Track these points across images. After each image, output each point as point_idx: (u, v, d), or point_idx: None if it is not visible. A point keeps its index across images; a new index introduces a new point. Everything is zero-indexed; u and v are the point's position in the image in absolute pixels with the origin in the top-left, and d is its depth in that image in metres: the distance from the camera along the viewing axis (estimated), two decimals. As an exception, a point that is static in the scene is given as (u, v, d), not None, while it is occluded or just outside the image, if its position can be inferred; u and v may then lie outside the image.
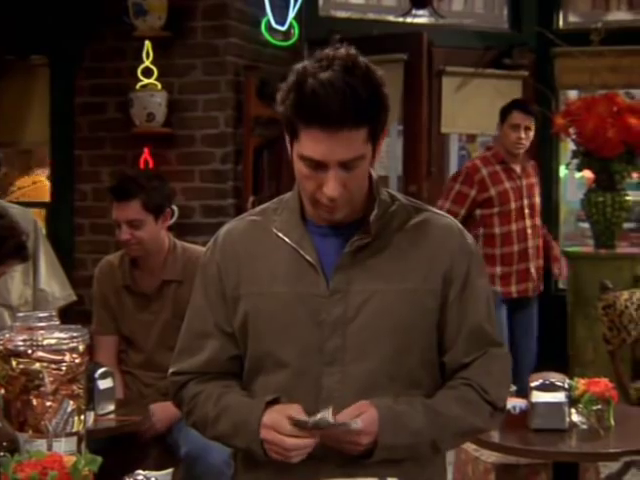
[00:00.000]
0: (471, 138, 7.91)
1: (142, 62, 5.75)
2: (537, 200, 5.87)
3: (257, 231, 2.30)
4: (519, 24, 7.38)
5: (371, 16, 7.11)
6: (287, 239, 2.23)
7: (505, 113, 5.78)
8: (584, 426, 3.40)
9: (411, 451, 2.20)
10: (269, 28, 6.02)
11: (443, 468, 2.38)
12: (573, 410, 3.41)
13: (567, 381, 3.41)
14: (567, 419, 3.36)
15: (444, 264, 2.23)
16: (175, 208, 5.52)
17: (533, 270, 5.81)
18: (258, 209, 2.38)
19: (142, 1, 5.66)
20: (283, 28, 6.11)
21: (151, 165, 5.77)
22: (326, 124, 2.03)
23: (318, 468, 2.16)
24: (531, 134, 5.76)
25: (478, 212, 5.73)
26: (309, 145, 2.06)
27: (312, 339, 2.20)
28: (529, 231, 5.78)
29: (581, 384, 3.45)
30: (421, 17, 7.02)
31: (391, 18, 7.00)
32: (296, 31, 6.17)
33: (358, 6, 7.19)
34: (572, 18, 7.53)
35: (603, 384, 3.47)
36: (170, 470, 2.10)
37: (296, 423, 2.11)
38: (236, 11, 5.85)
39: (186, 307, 4.15)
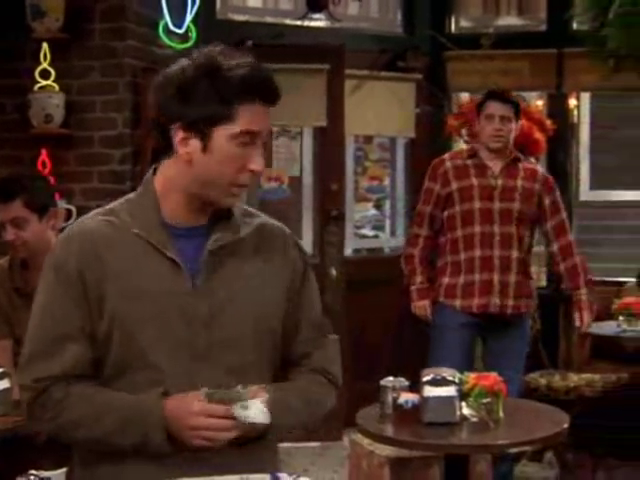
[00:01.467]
0: (368, 139, 8.00)
1: (40, 64, 5.75)
2: (518, 206, 5.07)
3: (114, 231, 2.28)
4: (412, 28, 7.48)
5: (269, 20, 7.15)
6: (150, 239, 2.26)
7: (480, 105, 5.19)
8: (474, 419, 3.44)
9: (291, 431, 2.43)
10: (167, 31, 6.05)
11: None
12: (464, 404, 3.45)
13: (458, 375, 3.45)
14: (458, 412, 3.40)
15: (288, 264, 2.41)
16: (73, 209, 5.55)
17: (497, 283, 5.05)
18: (105, 210, 2.36)
19: (39, 2, 5.67)
20: (180, 31, 6.13)
21: (49, 166, 5.76)
22: (267, 99, 2.24)
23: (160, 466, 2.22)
24: (512, 126, 5.08)
25: (445, 213, 5.15)
26: (249, 119, 2.21)
27: (182, 336, 2.25)
28: (497, 238, 5.04)
29: (471, 378, 3.49)
30: (317, 21, 7.09)
31: (288, 21, 7.05)
32: (194, 34, 6.19)
33: (255, 10, 7.22)
34: (464, 23, 7.66)
35: (492, 378, 3.51)
36: (64, 470, 2.12)
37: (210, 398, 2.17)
38: (134, 14, 5.88)
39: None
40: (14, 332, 4.24)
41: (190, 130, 2.22)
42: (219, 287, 2.28)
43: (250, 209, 2.45)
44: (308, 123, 7.02)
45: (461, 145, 6.71)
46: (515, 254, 5.07)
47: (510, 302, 5.08)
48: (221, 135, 2.21)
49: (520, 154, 5.21)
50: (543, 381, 6.27)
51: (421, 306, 5.18)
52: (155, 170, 2.35)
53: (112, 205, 2.36)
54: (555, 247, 5.18)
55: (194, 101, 2.20)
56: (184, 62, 2.26)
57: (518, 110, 5.14)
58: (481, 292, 5.07)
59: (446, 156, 5.29)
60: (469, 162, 5.13)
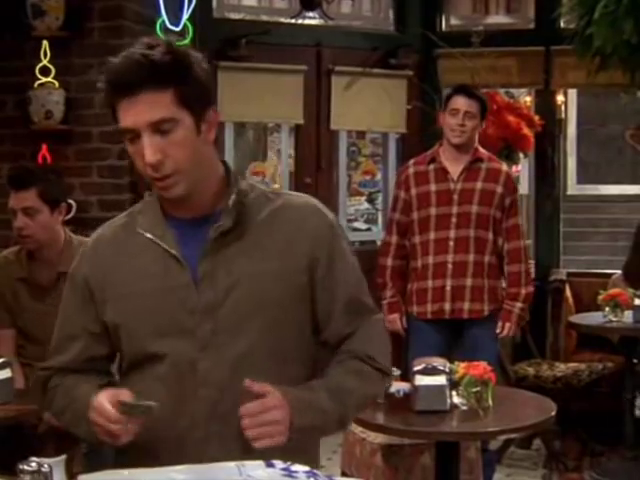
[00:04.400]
0: (361, 134, 8.07)
1: (40, 61, 5.79)
2: (476, 209, 5.00)
3: (124, 233, 2.35)
4: (404, 26, 7.50)
5: (264, 18, 7.19)
6: (150, 235, 2.29)
7: (446, 100, 5.11)
8: (464, 407, 3.53)
9: (321, 431, 2.32)
10: (164, 29, 6.05)
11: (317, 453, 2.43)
12: (454, 392, 3.54)
13: (448, 365, 3.53)
14: (448, 401, 3.48)
15: (305, 241, 2.30)
16: (73, 203, 5.61)
17: (449, 289, 4.99)
18: (126, 212, 2.43)
19: (40, 2, 5.71)
20: (177, 29, 6.15)
21: (49, 161, 5.79)
22: (126, 91, 2.13)
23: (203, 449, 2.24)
24: (474, 122, 5.00)
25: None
26: (121, 117, 2.17)
27: (185, 327, 2.24)
28: (451, 243, 4.98)
29: (461, 367, 3.57)
30: (311, 19, 7.13)
31: (282, 20, 7.10)
32: (190, 32, 6.24)
33: (251, 8, 7.26)
34: (454, 21, 7.69)
35: (482, 367, 3.59)
36: (63, 457, 2.14)
37: (122, 406, 2.16)
38: (131, 12, 5.90)
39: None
40: (16, 322, 4.36)
41: None
42: (222, 275, 2.24)
43: (278, 191, 2.45)
44: (286, 120, 7.18)
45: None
46: (472, 258, 5.00)
47: (466, 306, 5.01)
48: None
49: (485, 152, 5.15)
50: (531, 370, 6.33)
51: (391, 320, 5.10)
52: None
53: (138, 204, 2.41)
54: (505, 248, 5.07)
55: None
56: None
57: (484, 107, 5.06)
58: (434, 298, 5.02)
59: (411, 162, 5.23)
60: (430, 167, 5.07)
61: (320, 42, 7.07)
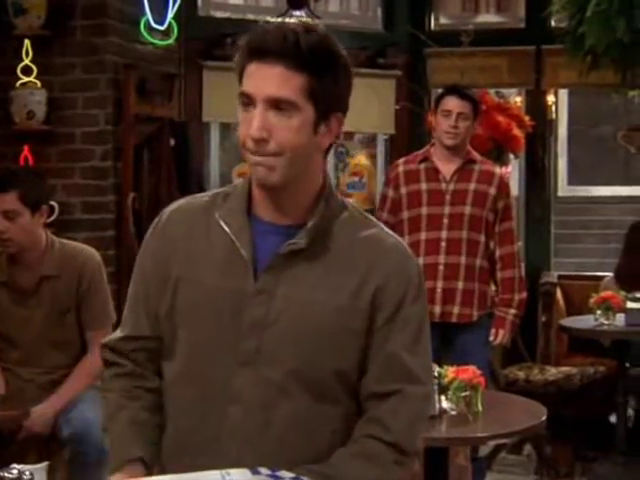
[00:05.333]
0: (349, 135, 8.03)
1: (22, 60, 5.74)
2: (469, 210, 4.90)
3: (201, 213, 2.19)
4: (392, 25, 7.49)
5: (250, 16, 7.14)
6: (226, 228, 2.13)
7: (438, 100, 5.00)
8: (453, 412, 3.49)
9: None
10: (148, 27, 6.04)
11: None
12: (443, 397, 3.50)
13: (437, 369, 3.47)
14: (437, 406, 3.42)
15: (376, 285, 2.11)
16: (55, 205, 5.56)
17: (440, 291, 4.86)
18: (212, 192, 2.27)
19: (21, 0, 5.66)
20: (162, 27, 6.13)
21: (31, 162, 5.74)
22: (260, 55, 2.03)
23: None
24: (467, 124, 4.89)
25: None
26: (245, 80, 2.06)
27: (228, 335, 2.10)
28: (443, 244, 4.88)
29: (450, 372, 3.53)
30: (298, 18, 7.11)
31: (269, 18, 7.04)
32: (175, 31, 6.22)
33: (236, 7, 7.23)
34: (443, 20, 7.67)
35: (471, 371, 3.55)
36: (45, 464, 2.11)
37: None
38: (115, 10, 5.86)
39: (63, 302, 4.26)
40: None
41: None
42: (280, 294, 2.09)
43: (369, 218, 2.26)
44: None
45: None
46: (464, 260, 4.91)
47: (455, 310, 4.91)
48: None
49: (478, 155, 5.06)
50: (522, 374, 6.31)
51: None
52: None
53: (227, 186, 2.27)
54: (497, 254, 4.97)
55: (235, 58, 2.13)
56: None
57: (476, 108, 4.96)
58: None
59: (401, 160, 5.13)
60: (421, 167, 4.97)
61: (306, 41, 7.01)
